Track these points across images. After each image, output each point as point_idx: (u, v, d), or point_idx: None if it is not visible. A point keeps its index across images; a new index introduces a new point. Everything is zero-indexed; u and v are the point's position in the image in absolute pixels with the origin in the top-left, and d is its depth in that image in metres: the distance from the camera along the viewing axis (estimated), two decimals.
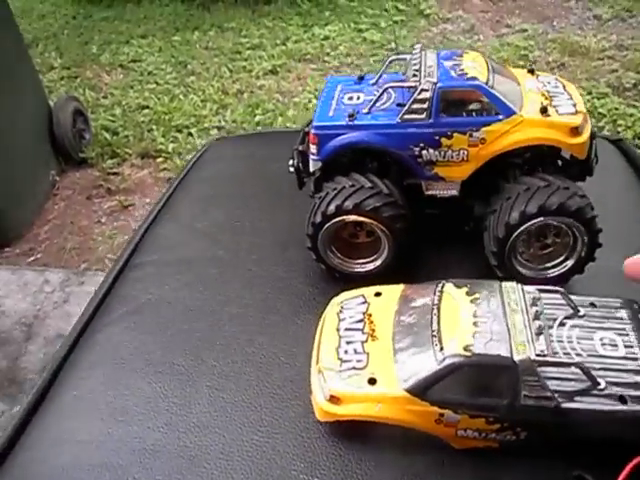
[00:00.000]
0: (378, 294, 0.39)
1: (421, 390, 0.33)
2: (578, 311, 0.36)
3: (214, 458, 0.37)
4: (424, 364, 0.33)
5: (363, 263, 0.46)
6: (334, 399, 0.34)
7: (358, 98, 0.46)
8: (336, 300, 0.40)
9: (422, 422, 0.33)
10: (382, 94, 0.44)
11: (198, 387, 0.42)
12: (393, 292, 0.38)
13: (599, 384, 0.32)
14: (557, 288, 0.36)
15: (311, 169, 0.46)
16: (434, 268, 0.47)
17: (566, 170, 0.44)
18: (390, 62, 0.47)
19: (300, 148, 0.48)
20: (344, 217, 0.43)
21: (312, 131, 0.44)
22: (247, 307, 0.47)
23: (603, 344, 0.35)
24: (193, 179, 0.67)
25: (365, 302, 0.38)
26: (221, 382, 0.42)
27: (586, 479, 0.30)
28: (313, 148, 0.45)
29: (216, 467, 0.36)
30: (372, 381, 0.34)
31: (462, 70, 0.42)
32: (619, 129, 2.15)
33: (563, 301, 0.36)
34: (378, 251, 0.45)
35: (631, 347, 0.34)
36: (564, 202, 0.40)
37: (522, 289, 0.35)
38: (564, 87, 0.45)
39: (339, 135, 0.44)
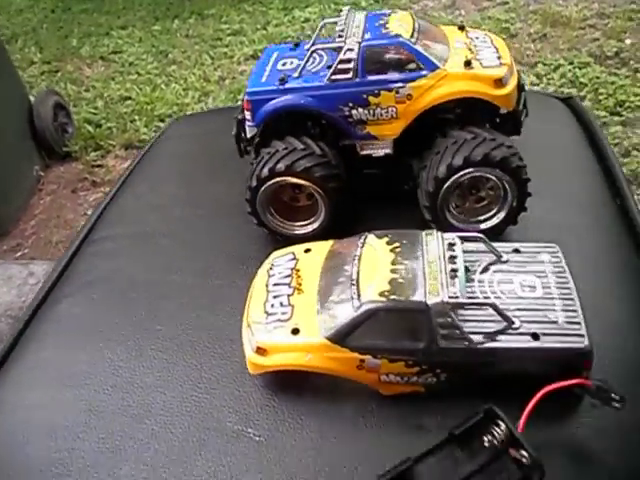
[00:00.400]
0: (308, 250, 0.40)
1: (340, 337, 0.34)
2: (501, 257, 0.37)
3: (155, 415, 0.38)
4: (343, 312, 0.34)
5: (303, 225, 0.47)
6: (260, 350, 0.36)
7: (291, 63, 0.47)
8: (269, 259, 0.41)
9: (345, 369, 0.34)
10: (310, 57, 0.44)
11: (143, 351, 0.43)
12: (322, 248, 0.39)
13: (513, 323, 0.33)
14: (478, 235, 0.37)
15: (248, 135, 0.47)
16: (373, 228, 0.47)
17: (498, 124, 0.45)
18: (323, 26, 0.48)
19: (239, 117, 0.48)
20: (278, 179, 0.44)
21: (245, 97, 0.45)
22: (193, 275, 0.48)
23: (522, 287, 0.36)
24: (152, 157, 0.68)
25: (294, 259, 0.39)
26: (165, 345, 0.43)
27: (495, 411, 0.31)
28: (247, 114, 0.46)
29: (157, 423, 0.38)
30: (295, 331, 0.35)
31: (387, 29, 0.43)
32: (600, 97, 2.14)
33: (486, 248, 0.37)
34: (316, 213, 0.46)
35: (549, 288, 0.35)
36: (488, 153, 0.40)
37: (441, 236, 0.36)
38: (492, 41, 0.45)
39: (271, 100, 0.44)
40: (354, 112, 0.43)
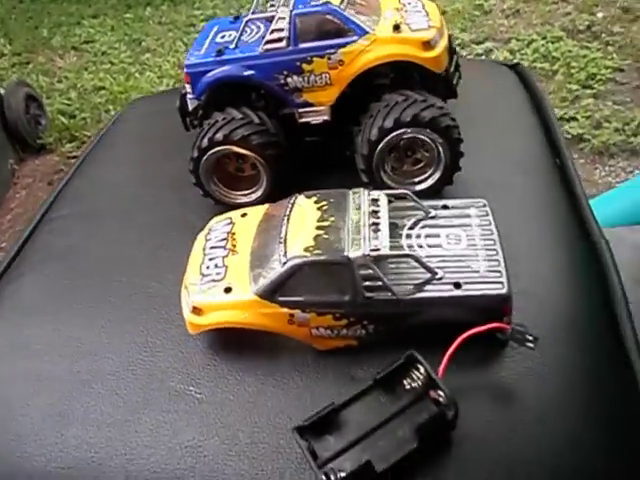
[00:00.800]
0: (244, 215, 0.41)
1: (269, 293, 0.35)
2: (429, 213, 0.38)
3: (102, 380, 0.39)
4: (272, 269, 0.35)
5: (246, 194, 0.48)
6: (196, 310, 0.37)
7: (230, 35, 0.47)
8: (208, 225, 0.42)
9: (277, 325, 0.36)
10: (245, 28, 0.45)
11: (94, 322, 0.44)
12: (258, 211, 0.41)
13: (436, 274, 0.35)
14: (405, 192, 0.39)
15: (190, 108, 0.48)
16: None
17: (432, 88, 0.46)
18: None
19: (183, 91, 0.49)
20: (217, 148, 0.45)
21: (184, 70, 0.46)
22: (143, 248, 0.49)
23: (448, 240, 0.37)
24: (109, 139, 0.69)
25: (231, 223, 0.40)
26: (115, 315, 0.44)
27: (415, 357, 0.32)
28: (188, 87, 0.47)
29: (103, 387, 0.39)
30: (228, 290, 0.36)
31: None
32: (572, 71, 2.16)
33: (415, 204, 0.39)
34: (259, 182, 0.47)
35: (473, 240, 0.37)
36: (418, 113, 0.41)
37: (367, 193, 0.37)
38: (423, 6, 0.46)
39: (209, 72, 0.45)
40: (289, 80, 0.44)
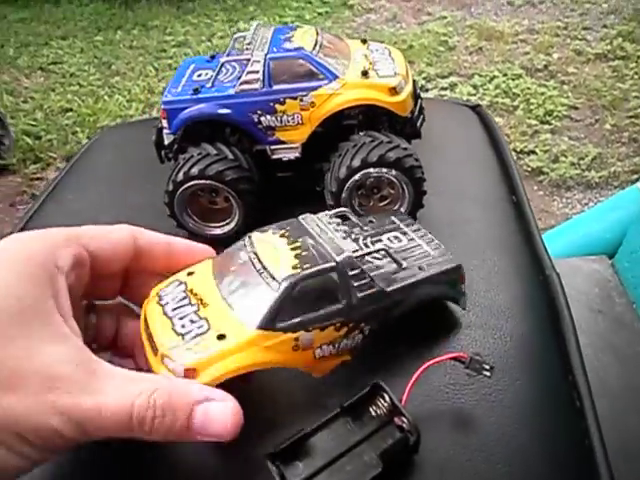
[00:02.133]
0: (191, 273, 0.38)
1: (270, 322, 0.34)
2: (362, 226, 0.42)
3: None
4: (263, 299, 0.34)
5: (220, 226, 0.49)
6: (190, 372, 0.33)
7: (206, 74, 0.49)
8: (151, 294, 0.38)
9: (281, 355, 0.34)
10: (221, 68, 0.47)
11: None
12: (204, 266, 0.38)
13: (402, 264, 0.38)
14: (343, 210, 0.41)
15: (165, 142, 0.49)
16: None
17: (398, 129, 0.49)
18: (236, 39, 0.51)
19: (159, 125, 0.51)
20: (192, 182, 0.46)
21: (161, 106, 0.48)
22: None
23: (390, 240, 0.41)
24: (80, 166, 0.69)
25: (181, 283, 0.37)
26: None
27: (380, 385, 0.34)
28: (164, 122, 0.48)
29: None
30: (221, 337, 0.34)
31: (291, 42, 0.46)
32: (532, 107, 2.27)
33: (352, 220, 0.42)
34: (232, 214, 0.49)
35: (409, 235, 0.42)
36: (384, 154, 0.44)
37: (318, 217, 0.39)
38: (390, 53, 0.50)
39: (185, 109, 0.47)
40: (263, 119, 0.46)
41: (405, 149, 0.45)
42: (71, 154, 1.98)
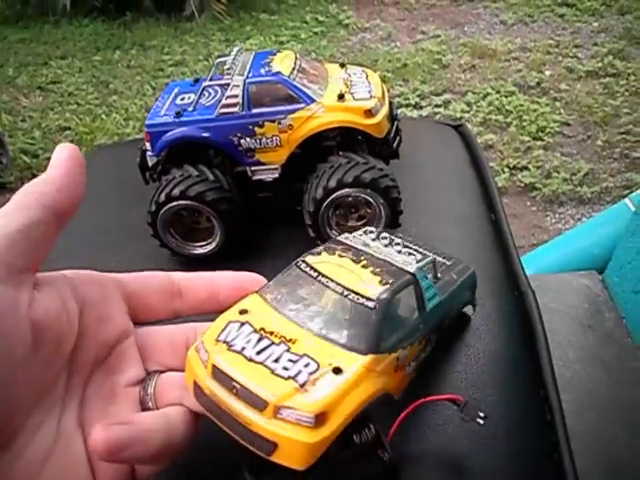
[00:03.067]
0: (243, 312, 0.33)
1: (377, 344, 0.31)
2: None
3: None
4: (361, 322, 0.31)
5: (202, 245, 0.51)
6: (321, 418, 0.28)
7: (189, 98, 0.51)
8: (208, 345, 0.31)
9: (387, 378, 0.32)
10: (202, 92, 0.49)
11: None
12: (254, 301, 0.34)
13: (437, 274, 0.39)
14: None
15: (149, 164, 0.51)
16: (268, 245, 0.52)
17: (376, 151, 0.50)
18: (218, 64, 0.53)
19: (143, 147, 0.52)
20: (174, 203, 0.48)
21: (145, 129, 0.49)
22: None
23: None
24: None
25: (243, 323, 0.32)
26: None
27: (368, 416, 0.33)
28: (148, 145, 0.50)
29: None
30: (337, 370, 0.30)
31: (270, 66, 0.48)
32: (524, 124, 2.29)
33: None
34: (213, 234, 0.50)
35: (419, 250, 0.40)
36: (359, 175, 0.46)
37: (353, 235, 0.38)
38: (367, 77, 0.51)
39: (168, 132, 0.48)
40: (242, 141, 0.48)
41: (381, 170, 0.47)
42: None
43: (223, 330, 0.31)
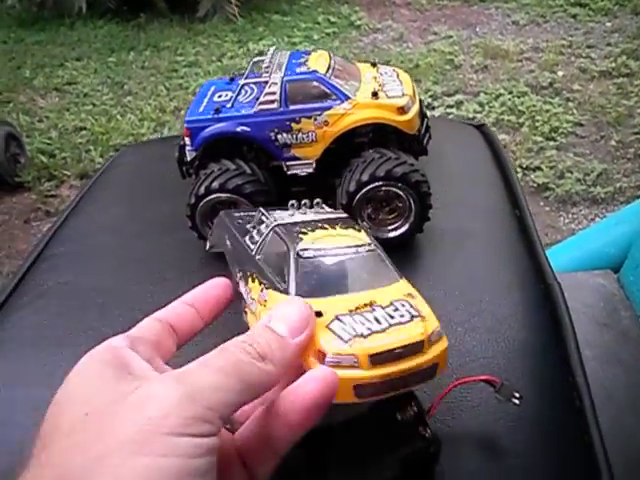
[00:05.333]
0: (319, 314, 0.32)
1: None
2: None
3: None
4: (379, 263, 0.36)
5: None
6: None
7: (226, 95, 0.53)
8: (342, 351, 0.31)
9: None
10: (241, 90, 0.51)
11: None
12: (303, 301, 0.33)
13: None
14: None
15: (188, 159, 0.53)
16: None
17: (407, 147, 0.52)
18: (255, 62, 0.55)
19: (181, 143, 0.54)
20: (213, 196, 0.49)
21: (185, 125, 0.51)
22: (140, 283, 0.53)
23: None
24: (103, 182, 0.73)
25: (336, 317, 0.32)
26: None
27: (412, 394, 0.34)
28: (187, 140, 0.52)
29: None
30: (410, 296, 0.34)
31: (307, 65, 0.50)
32: (537, 124, 2.30)
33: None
34: None
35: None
36: (391, 169, 0.47)
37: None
38: (397, 76, 0.53)
39: (207, 127, 0.50)
40: (279, 137, 0.50)
41: (412, 165, 0.48)
42: (85, 172, 2.03)
43: (340, 336, 0.31)
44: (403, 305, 0.32)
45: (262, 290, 0.35)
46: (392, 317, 0.31)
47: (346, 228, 0.37)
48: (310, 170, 0.51)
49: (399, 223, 0.50)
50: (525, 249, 0.55)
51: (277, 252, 0.36)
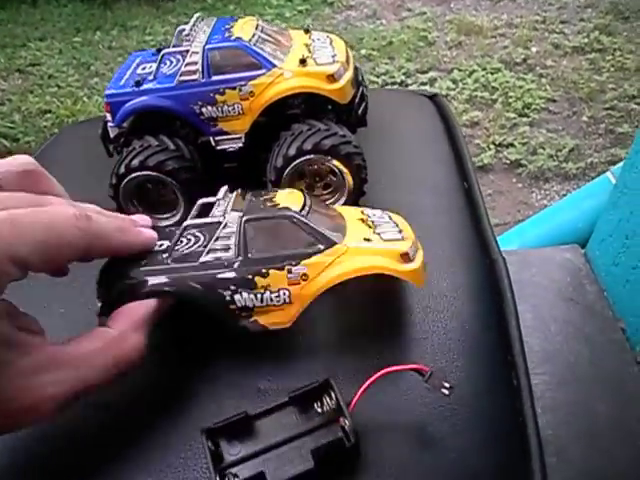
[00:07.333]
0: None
1: None
2: None
3: None
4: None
5: (167, 217, 0.50)
6: None
7: (150, 67, 0.50)
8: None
9: None
10: (162, 61, 0.47)
11: None
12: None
13: None
14: None
15: (111, 135, 0.49)
16: None
17: (344, 119, 0.49)
18: (179, 32, 0.51)
19: (105, 119, 0.51)
20: (134, 174, 0.46)
21: (104, 100, 0.48)
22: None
23: None
24: (40, 162, 0.69)
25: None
26: None
27: (331, 384, 0.34)
28: (108, 116, 0.48)
29: None
30: None
31: (230, 33, 0.47)
32: (510, 100, 2.28)
33: None
34: (177, 205, 0.49)
35: None
36: (319, 142, 0.45)
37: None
38: (331, 42, 0.50)
39: (128, 102, 0.47)
40: (204, 110, 0.47)
41: (343, 136, 0.46)
42: None
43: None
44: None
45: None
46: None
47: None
48: (240, 145, 0.49)
49: (334, 198, 0.48)
50: (471, 224, 0.53)
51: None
